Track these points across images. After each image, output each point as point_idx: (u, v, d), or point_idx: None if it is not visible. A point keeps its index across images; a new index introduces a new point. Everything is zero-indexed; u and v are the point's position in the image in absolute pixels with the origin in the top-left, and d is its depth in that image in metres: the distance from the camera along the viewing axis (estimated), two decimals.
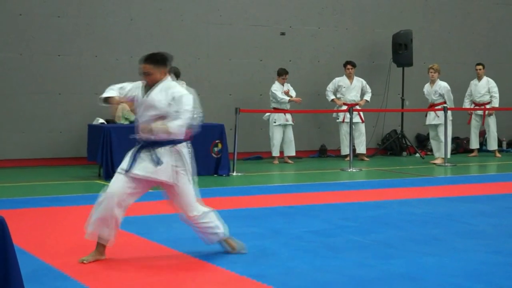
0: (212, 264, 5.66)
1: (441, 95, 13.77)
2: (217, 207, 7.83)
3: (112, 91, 5.97)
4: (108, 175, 10.84)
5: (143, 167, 5.79)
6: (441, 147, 13.62)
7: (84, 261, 5.60)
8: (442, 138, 13.54)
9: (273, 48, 14.45)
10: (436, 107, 13.71)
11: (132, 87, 6.01)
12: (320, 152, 14.93)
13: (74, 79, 12.91)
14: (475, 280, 5.15)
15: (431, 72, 13.87)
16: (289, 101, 13.44)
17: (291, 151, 13.63)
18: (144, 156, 5.82)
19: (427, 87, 14.00)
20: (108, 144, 10.89)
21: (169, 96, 5.73)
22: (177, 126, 5.60)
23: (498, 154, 14.98)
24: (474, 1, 16.28)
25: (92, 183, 10.66)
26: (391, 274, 5.33)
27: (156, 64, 5.91)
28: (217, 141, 11.40)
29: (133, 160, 5.82)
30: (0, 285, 2.91)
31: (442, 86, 13.80)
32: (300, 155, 14.49)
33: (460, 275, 5.29)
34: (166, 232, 6.42)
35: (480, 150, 15.55)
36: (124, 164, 5.86)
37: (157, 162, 5.78)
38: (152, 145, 5.84)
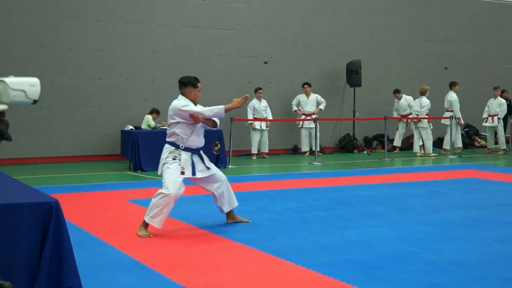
0: (213, 233, 5.63)
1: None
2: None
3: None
4: (136, 168, 10.80)
5: (202, 169, 5.70)
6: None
7: (151, 235, 5.45)
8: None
9: (258, 73, 14.43)
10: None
11: None
12: (293, 150, 14.93)
13: (111, 96, 12.83)
14: (409, 244, 5.15)
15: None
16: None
17: (265, 149, 13.68)
18: (197, 161, 5.72)
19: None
20: (136, 144, 10.86)
21: None
22: None
23: (420, 152, 14.96)
24: (408, 39, 16.31)
25: (124, 174, 10.61)
26: (347, 240, 5.32)
27: None
28: (217, 142, 11.35)
29: (193, 165, 5.64)
30: (55, 251, 2.88)
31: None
32: (278, 152, 14.50)
33: (398, 240, 5.29)
34: (180, 210, 6.38)
35: (411, 148, 15.68)
36: (187, 171, 5.59)
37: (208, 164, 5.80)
38: (199, 150, 5.78)
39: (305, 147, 14.30)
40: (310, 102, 14.33)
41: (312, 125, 13.77)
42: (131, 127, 11.72)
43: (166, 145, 5.72)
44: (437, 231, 5.70)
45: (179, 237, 5.51)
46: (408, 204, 7.25)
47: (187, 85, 5.77)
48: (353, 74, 14.83)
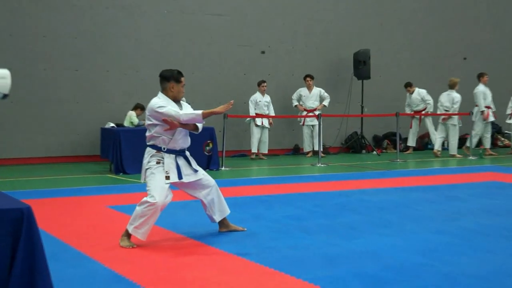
0: (203, 243, 5.65)
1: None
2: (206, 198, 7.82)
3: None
4: (118, 170, 10.81)
5: (188, 173, 5.71)
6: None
7: (135, 246, 5.48)
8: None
9: (255, 64, 14.45)
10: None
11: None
12: (294, 150, 14.96)
13: (89, 90, 12.84)
14: (422, 255, 5.17)
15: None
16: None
17: (264, 149, 13.72)
18: (182, 164, 5.73)
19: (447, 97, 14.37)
20: (118, 144, 10.87)
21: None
22: None
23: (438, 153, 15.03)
24: (420, 25, 16.36)
25: (105, 177, 10.62)
26: (354, 251, 5.34)
27: None
28: (208, 141, 11.37)
29: (178, 168, 5.65)
30: (27, 263, 2.89)
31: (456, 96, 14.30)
32: (276, 153, 14.53)
33: (410, 251, 5.32)
34: (167, 218, 6.39)
35: (426, 148, 15.79)
36: (172, 175, 5.58)
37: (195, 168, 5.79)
38: (185, 151, 5.79)
39: (307, 147, 14.37)
40: (312, 96, 14.36)
41: (315, 122, 13.78)
42: (112, 124, 11.72)
43: (147, 149, 5.71)
44: (453, 241, 5.72)
45: (166, 248, 5.53)
46: (422, 211, 7.28)
47: (169, 79, 5.74)
48: (361, 65, 14.86)
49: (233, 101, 5.92)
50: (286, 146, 14.96)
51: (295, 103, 14.41)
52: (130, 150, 10.83)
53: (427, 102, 14.87)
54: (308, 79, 14.31)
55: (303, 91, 14.40)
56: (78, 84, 12.75)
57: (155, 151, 5.65)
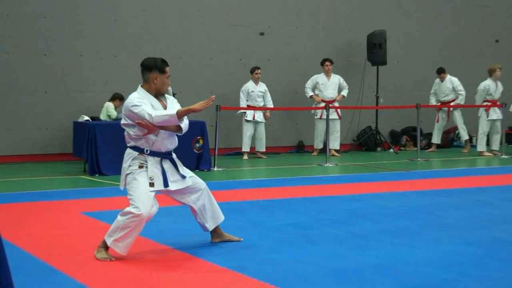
0: (193, 256, 5.66)
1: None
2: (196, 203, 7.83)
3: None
4: (93, 171, 10.82)
5: (176, 179, 5.71)
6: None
7: (113, 259, 5.47)
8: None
9: (252, 48, 14.47)
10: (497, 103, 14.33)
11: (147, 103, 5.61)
12: (298, 147, 14.98)
13: (60, 77, 12.85)
14: (446, 269, 5.19)
15: (499, 71, 14.29)
16: None
17: (261, 147, 13.73)
18: (168, 168, 5.72)
19: (492, 85, 14.28)
20: (93, 141, 10.88)
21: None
22: None
23: (465, 150, 15.08)
24: (445, 3, 16.38)
25: (78, 178, 10.62)
26: (366, 264, 5.35)
27: None
28: (198, 137, 11.39)
29: (164, 174, 5.63)
30: None
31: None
32: (278, 151, 14.55)
33: (432, 265, 5.33)
34: (151, 226, 6.39)
35: (451, 145, 15.83)
36: (157, 181, 5.58)
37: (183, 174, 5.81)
38: (171, 154, 5.78)
39: (319, 144, 14.30)
40: (332, 85, 14.32)
41: (334, 116, 13.75)
42: (86, 118, 11.73)
43: (128, 150, 5.65)
44: (482, 253, 5.74)
45: (149, 261, 5.53)
46: (446, 218, 7.29)
47: (151, 69, 5.69)
48: (376, 49, 14.89)
49: (215, 96, 5.86)
50: (288, 143, 14.98)
51: (310, 93, 14.33)
52: (107, 147, 10.84)
53: (459, 92, 14.88)
54: (327, 63, 14.26)
55: (321, 78, 14.33)
56: (47, 71, 12.75)
57: (137, 153, 5.61)
